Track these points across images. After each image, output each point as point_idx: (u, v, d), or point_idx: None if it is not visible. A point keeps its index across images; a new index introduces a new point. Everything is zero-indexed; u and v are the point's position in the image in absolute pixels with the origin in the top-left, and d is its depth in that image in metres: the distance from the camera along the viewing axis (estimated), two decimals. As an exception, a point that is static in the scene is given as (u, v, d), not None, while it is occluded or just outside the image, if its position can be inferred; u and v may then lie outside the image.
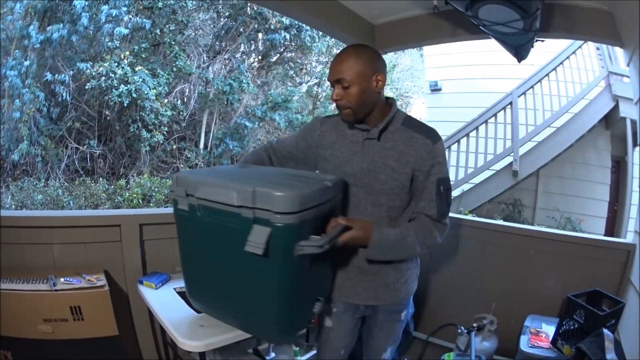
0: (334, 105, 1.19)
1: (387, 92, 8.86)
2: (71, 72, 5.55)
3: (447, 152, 5.00)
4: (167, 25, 6.11)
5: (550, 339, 1.68)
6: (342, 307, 1.29)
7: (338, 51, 1.20)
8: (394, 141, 1.17)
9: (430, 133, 1.17)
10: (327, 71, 1.19)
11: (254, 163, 1.36)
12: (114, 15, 5.55)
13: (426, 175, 1.15)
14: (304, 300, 1.10)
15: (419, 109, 9.65)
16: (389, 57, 8.83)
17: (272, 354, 1.96)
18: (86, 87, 5.50)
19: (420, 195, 1.17)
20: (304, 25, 6.44)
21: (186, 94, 6.86)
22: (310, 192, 0.96)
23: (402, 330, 1.40)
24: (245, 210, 0.93)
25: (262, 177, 1.09)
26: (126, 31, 5.65)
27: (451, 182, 1.24)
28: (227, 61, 7.02)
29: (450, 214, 1.23)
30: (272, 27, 6.76)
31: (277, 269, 0.96)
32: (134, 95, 5.56)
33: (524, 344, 1.67)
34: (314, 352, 1.71)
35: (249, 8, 6.58)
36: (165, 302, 1.45)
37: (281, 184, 0.98)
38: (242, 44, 7.27)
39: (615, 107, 4.53)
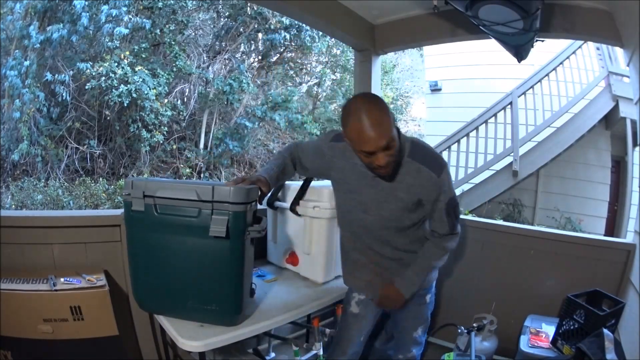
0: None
1: (387, 91, 8.86)
2: (71, 72, 5.55)
3: (447, 152, 5.03)
4: (167, 25, 6.11)
5: (550, 339, 1.68)
6: (371, 296, 1.44)
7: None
8: (402, 175, 1.24)
9: (435, 165, 1.24)
10: (358, 140, 1.12)
11: (289, 159, 1.41)
12: (114, 15, 5.56)
13: (434, 202, 1.26)
14: (248, 281, 1.27)
15: (419, 109, 9.65)
16: (389, 57, 8.83)
17: (272, 354, 1.96)
18: (86, 87, 5.50)
19: (432, 216, 1.30)
20: (304, 25, 6.44)
21: (186, 94, 6.85)
22: (253, 188, 1.20)
23: (430, 313, 1.56)
24: (205, 204, 1.14)
25: (206, 183, 1.24)
26: (126, 31, 5.65)
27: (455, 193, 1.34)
28: (227, 61, 7.02)
29: None
30: (272, 27, 6.75)
31: (232, 249, 1.16)
32: (134, 95, 5.56)
33: (524, 344, 1.67)
34: (314, 352, 1.71)
35: (249, 8, 6.58)
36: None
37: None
38: (242, 44, 7.27)
39: (615, 107, 4.53)
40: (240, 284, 1.21)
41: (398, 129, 1.22)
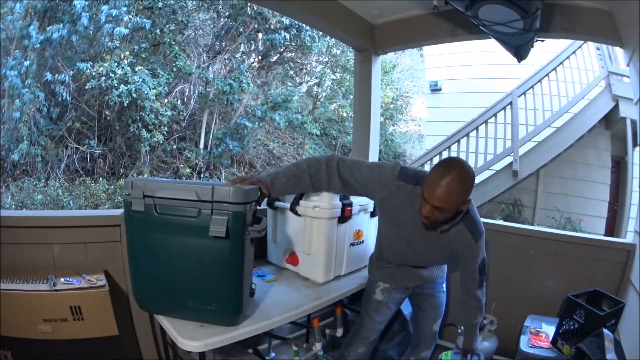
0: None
1: (387, 91, 8.85)
2: (71, 72, 5.55)
3: (447, 152, 5.03)
4: (167, 25, 6.11)
5: (550, 339, 1.68)
6: (394, 285, 1.59)
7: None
8: (449, 234, 1.37)
9: (475, 233, 1.37)
10: (426, 186, 1.25)
11: (308, 174, 1.38)
12: (114, 15, 5.55)
13: (469, 260, 1.42)
14: (248, 281, 1.27)
15: (419, 109, 9.65)
16: (389, 57, 8.83)
17: (272, 354, 1.96)
18: (86, 87, 5.50)
19: (465, 270, 1.46)
20: (304, 25, 6.43)
21: (186, 94, 6.85)
22: (253, 189, 1.23)
23: (445, 303, 1.72)
24: (204, 204, 1.14)
25: (206, 183, 1.25)
26: (126, 31, 5.65)
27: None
28: (227, 61, 7.02)
29: None
30: (272, 27, 6.75)
31: (233, 249, 1.16)
32: (134, 95, 5.55)
33: (524, 344, 1.67)
34: (314, 352, 1.71)
35: (249, 8, 6.58)
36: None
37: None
38: (242, 44, 7.27)
39: (615, 107, 4.54)
40: (241, 284, 1.21)
41: (468, 209, 1.33)
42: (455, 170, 1.21)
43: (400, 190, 1.36)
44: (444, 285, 1.71)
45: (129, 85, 5.50)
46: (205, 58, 6.88)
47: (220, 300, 1.19)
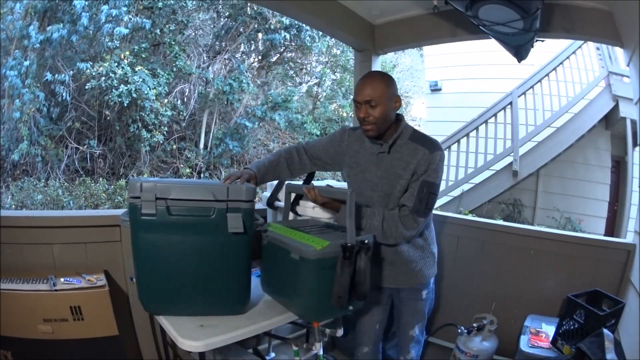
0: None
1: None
2: (71, 72, 5.55)
3: (447, 152, 5.03)
4: (167, 25, 6.11)
5: (550, 339, 1.68)
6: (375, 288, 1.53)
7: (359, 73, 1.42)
8: (401, 153, 1.41)
9: (430, 145, 1.39)
10: (354, 90, 1.39)
11: (284, 158, 1.55)
12: (114, 15, 5.55)
13: (418, 177, 1.38)
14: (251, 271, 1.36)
15: (419, 109, 9.65)
16: (389, 57, 8.84)
17: (272, 354, 1.96)
18: (86, 87, 5.50)
19: (408, 190, 1.40)
20: (304, 25, 6.44)
21: (186, 94, 6.85)
22: (254, 188, 1.31)
23: (428, 310, 1.65)
24: (219, 204, 1.19)
25: (209, 183, 1.35)
26: (126, 31, 5.65)
27: (440, 190, 1.47)
28: (227, 61, 7.02)
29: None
30: (272, 27, 6.75)
31: (245, 243, 1.24)
32: (134, 95, 5.55)
33: (524, 344, 1.67)
34: (314, 352, 1.71)
35: (249, 8, 6.58)
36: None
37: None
38: (242, 44, 7.26)
39: (615, 107, 4.54)
40: (249, 275, 1.31)
41: (399, 114, 1.44)
42: (374, 72, 1.38)
43: (350, 137, 1.52)
44: (424, 293, 1.59)
45: (129, 85, 5.50)
46: (205, 58, 6.88)
47: (230, 292, 1.26)
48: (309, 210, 1.60)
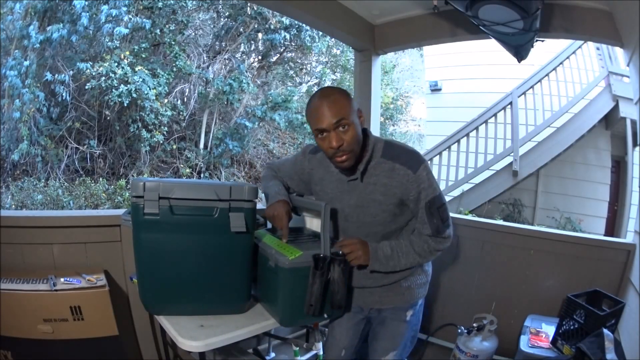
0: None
1: (387, 91, 8.85)
2: (71, 72, 5.55)
3: (447, 152, 5.03)
4: (167, 25, 6.11)
5: (550, 339, 1.68)
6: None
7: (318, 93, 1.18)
8: (377, 176, 1.21)
9: (410, 161, 1.18)
10: (311, 118, 1.16)
11: (280, 179, 1.44)
12: (114, 15, 5.55)
13: (415, 202, 1.21)
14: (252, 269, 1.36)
15: (419, 109, 9.65)
16: (389, 57, 8.83)
17: (272, 354, 1.96)
18: (86, 87, 5.50)
19: (416, 217, 1.24)
20: (304, 25, 6.43)
21: (186, 94, 6.85)
22: (256, 187, 1.29)
23: (410, 337, 1.40)
24: (222, 203, 1.20)
25: (209, 183, 1.34)
26: (126, 31, 5.65)
27: (444, 196, 1.27)
28: (227, 61, 7.02)
29: (450, 214, 1.26)
30: (272, 27, 6.75)
31: (248, 241, 1.26)
32: (134, 95, 5.55)
33: (524, 344, 1.67)
34: (313, 352, 1.71)
35: (249, 8, 6.57)
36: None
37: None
38: (242, 44, 7.26)
39: (615, 107, 4.54)
40: (251, 272, 1.31)
41: (365, 129, 1.23)
42: (326, 88, 1.19)
43: (313, 162, 1.34)
44: (409, 314, 1.36)
45: (129, 85, 5.50)
46: (205, 58, 6.88)
47: (232, 290, 1.27)
48: (307, 221, 1.59)
